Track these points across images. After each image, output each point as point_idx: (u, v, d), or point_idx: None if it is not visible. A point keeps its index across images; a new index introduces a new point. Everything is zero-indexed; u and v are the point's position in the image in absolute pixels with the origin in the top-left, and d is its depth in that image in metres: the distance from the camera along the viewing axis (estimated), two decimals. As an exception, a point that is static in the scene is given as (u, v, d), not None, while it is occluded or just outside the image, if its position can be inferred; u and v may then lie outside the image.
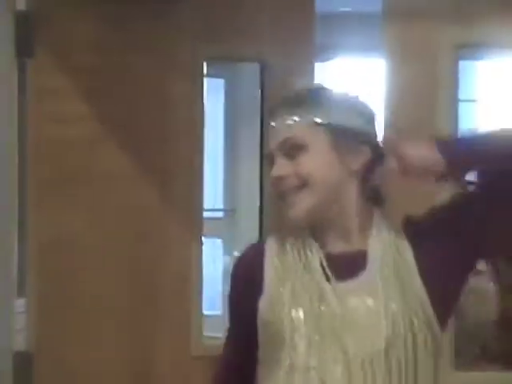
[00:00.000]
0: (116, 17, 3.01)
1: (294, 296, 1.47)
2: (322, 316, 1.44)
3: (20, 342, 2.88)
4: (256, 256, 1.55)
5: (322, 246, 1.51)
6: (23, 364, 2.89)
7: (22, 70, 2.86)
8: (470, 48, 3.14)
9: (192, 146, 3.08)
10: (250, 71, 3.86)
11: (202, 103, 3.13)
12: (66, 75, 2.94)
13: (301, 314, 1.45)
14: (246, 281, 1.56)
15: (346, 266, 1.47)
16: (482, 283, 3.81)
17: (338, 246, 1.51)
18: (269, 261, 1.53)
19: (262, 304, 1.47)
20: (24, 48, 2.86)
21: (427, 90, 3.00)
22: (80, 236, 2.85)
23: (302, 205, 1.45)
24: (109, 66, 3.00)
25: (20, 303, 2.82)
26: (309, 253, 1.50)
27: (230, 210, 4.22)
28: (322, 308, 1.44)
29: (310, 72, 3.34)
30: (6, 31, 2.82)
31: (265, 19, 3.19)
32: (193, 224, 2.93)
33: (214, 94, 3.70)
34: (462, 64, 3.12)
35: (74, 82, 2.95)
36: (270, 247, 1.57)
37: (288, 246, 1.53)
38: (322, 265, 1.46)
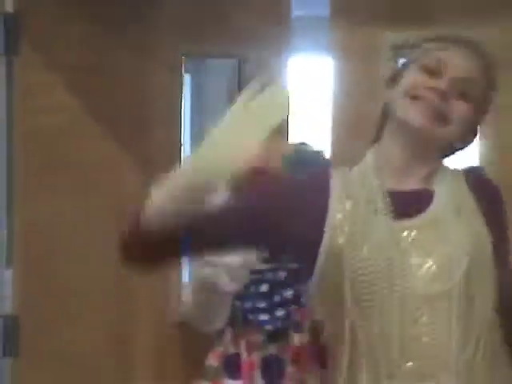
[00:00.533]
0: (97, 15, 3.09)
1: (358, 230, 1.45)
2: (388, 252, 1.42)
3: (8, 307, 2.97)
4: (323, 179, 1.54)
5: (386, 182, 1.51)
6: (11, 325, 2.97)
7: (9, 66, 2.93)
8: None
9: (170, 135, 3.22)
10: (215, 67, 4.04)
11: (181, 96, 3.29)
12: (49, 71, 3.01)
13: (365, 249, 1.44)
14: (310, 196, 1.51)
15: (411, 204, 1.48)
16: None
17: (403, 184, 1.52)
18: (335, 191, 1.51)
19: (328, 234, 1.45)
20: (11, 47, 2.94)
21: (370, 84, 3.11)
22: (62, 215, 2.95)
23: (435, 131, 1.43)
24: (91, 61, 3.08)
25: (8, 273, 2.95)
26: (373, 187, 1.49)
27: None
28: (388, 243, 1.43)
29: (284, 68, 3.51)
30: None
31: (243, 19, 3.32)
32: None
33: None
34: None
35: (57, 77, 3.03)
36: (336, 176, 1.56)
37: (354, 179, 1.52)
38: (385, 200, 1.47)
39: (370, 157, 1.57)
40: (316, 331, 2.72)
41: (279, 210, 1.54)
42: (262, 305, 2.76)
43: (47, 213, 2.95)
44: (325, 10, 3.01)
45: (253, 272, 2.77)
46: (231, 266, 2.74)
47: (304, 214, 1.50)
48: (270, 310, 2.75)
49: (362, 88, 3.12)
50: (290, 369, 2.71)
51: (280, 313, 2.76)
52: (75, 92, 3.05)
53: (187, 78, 4.12)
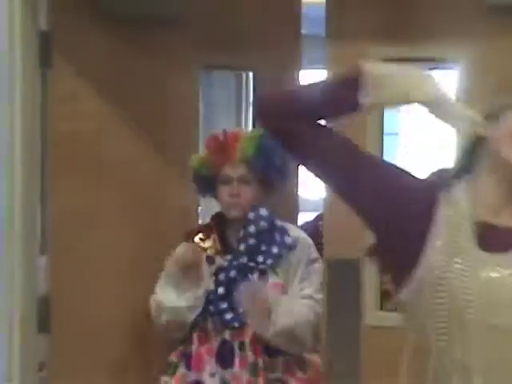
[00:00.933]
0: (123, 31, 3.30)
1: (456, 254, 1.47)
2: (479, 281, 1.44)
3: (42, 289, 3.17)
4: (434, 190, 1.55)
5: (480, 215, 1.52)
6: (45, 306, 3.17)
7: (43, 77, 3.16)
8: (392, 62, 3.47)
9: (189, 137, 3.45)
10: (223, 79, 4.32)
11: (198, 102, 3.52)
12: (79, 81, 3.28)
13: (450, 275, 1.44)
14: (422, 201, 1.52)
15: (502, 239, 1.50)
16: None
17: (497, 219, 1.53)
18: (443, 207, 1.52)
19: (432, 250, 1.47)
20: (45, 60, 3.16)
21: None
22: (89, 208, 3.23)
23: None
24: (118, 73, 3.32)
25: (42, 260, 3.17)
26: (466, 218, 1.50)
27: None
28: (472, 274, 1.45)
29: (294, 80, 3.78)
30: (32, 47, 3.07)
31: (257, 35, 3.55)
32: (189, 193, 3.27)
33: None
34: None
35: (86, 86, 3.29)
36: (443, 193, 1.56)
37: (457, 201, 1.52)
38: (475, 232, 1.48)
39: (462, 188, 1.59)
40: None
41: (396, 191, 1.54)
42: (224, 306, 2.86)
43: (76, 206, 3.20)
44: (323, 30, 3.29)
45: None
46: (197, 299, 2.81)
47: (412, 214, 1.52)
48: (232, 309, 2.85)
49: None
50: (242, 352, 2.86)
51: (242, 309, 2.85)
52: (103, 100, 3.28)
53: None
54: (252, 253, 2.89)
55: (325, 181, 1.70)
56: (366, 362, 3.36)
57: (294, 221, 3.66)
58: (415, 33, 3.27)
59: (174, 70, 3.40)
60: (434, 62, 3.37)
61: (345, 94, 1.55)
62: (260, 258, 2.88)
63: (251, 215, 2.91)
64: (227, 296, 2.84)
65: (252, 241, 2.88)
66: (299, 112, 1.59)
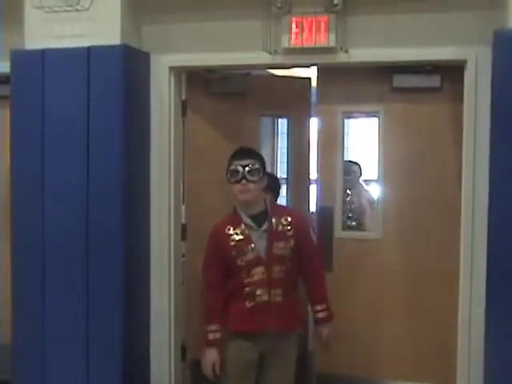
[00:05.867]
0: (221, 99, 5.29)
1: None
2: None
3: (182, 220, 5.00)
4: None
5: None
6: (183, 228, 5.03)
7: (183, 120, 4.89)
8: (349, 113, 5.23)
9: (255, 146, 4.84)
10: (267, 122, 6.73)
11: (259, 131, 5.63)
12: (199, 122, 5.21)
13: None
14: None
15: None
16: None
17: None
18: None
19: None
20: (183, 113, 4.93)
21: (335, 133, 5.02)
22: (200, 179, 5.16)
23: None
24: (218, 118, 5.31)
25: (183, 206, 5.00)
26: None
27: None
28: None
29: (308, 123, 5.64)
30: (178, 107, 4.79)
31: (289, 102, 5.59)
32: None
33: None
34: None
35: (202, 124, 5.21)
36: None
37: None
38: None
39: None
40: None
41: None
42: None
43: (195, 179, 5.15)
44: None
45: None
46: None
47: None
48: None
49: (329, 134, 5.07)
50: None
51: None
52: (212, 130, 5.27)
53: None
54: None
55: None
56: (335, 257, 4.99)
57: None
58: (358, 97, 4.95)
59: (247, 117, 5.45)
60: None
61: None
62: None
63: None
64: None
65: None
66: None
